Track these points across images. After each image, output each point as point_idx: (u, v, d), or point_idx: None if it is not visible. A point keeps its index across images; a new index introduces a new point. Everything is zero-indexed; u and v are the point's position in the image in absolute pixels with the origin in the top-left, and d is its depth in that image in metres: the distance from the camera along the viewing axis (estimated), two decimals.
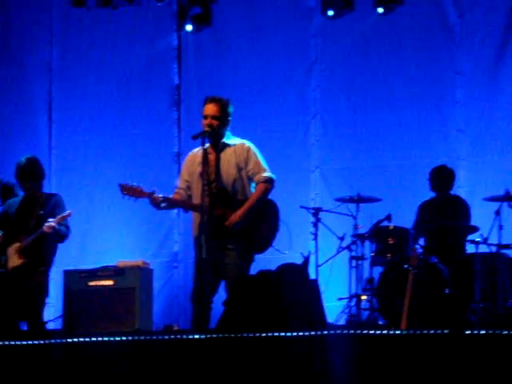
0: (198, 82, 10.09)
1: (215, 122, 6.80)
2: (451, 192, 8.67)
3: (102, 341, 6.08)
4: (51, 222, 7.45)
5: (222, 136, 6.89)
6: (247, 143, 6.93)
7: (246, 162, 6.83)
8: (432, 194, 8.68)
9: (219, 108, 6.80)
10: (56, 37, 10.39)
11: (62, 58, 10.38)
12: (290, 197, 9.41)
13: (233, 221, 6.69)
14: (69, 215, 7.59)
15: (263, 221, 6.79)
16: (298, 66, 9.89)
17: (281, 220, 6.84)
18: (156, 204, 6.78)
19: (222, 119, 6.83)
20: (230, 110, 6.88)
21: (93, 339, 6.09)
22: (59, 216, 7.53)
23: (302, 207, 8.76)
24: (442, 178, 8.57)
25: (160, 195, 6.75)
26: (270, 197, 6.92)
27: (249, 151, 6.85)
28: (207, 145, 6.82)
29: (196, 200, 6.81)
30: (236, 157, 6.84)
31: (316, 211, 8.59)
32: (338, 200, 8.68)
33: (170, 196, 6.87)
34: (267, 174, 6.84)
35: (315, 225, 8.54)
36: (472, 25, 9.35)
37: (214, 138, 6.85)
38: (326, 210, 8.61)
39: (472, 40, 9.35)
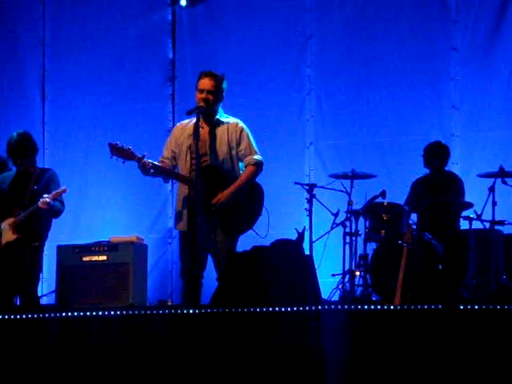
0: (192, 58, 10.04)
1: (211, 97, 6.78)
2: (445, 168, 8.67)
3: (96, 315, 6.08)
4: (46, 198, 7.43)
5: (216, 112, 6.88)
6: (240, 123, 6.92)
7: (237, 142, 6.84)
8: (426, 171, 8.68)
9: (215, 83, 6.79)
10: (49, 12, 10.31)
11: (55, 33, 10.30)
12: (284, 173, 9.41)
13: (220, 199, 6.70)
14: (64, 191, 7.57)
15: (248, 203, 6.81)
16: (292, 41, 9.84)
17: (264, 206, 6.84)
18: (144, 169, 6.75)
19: (217, 94, 6.82)
20: (225, 85, 6.87)
21: (86, 314, 6.09)
22: (54, 192, 7.51)
23: (296, 183, 8.75)
24: (437, 154, 8.57)
25: (149, 161, 6.73)
26: (265, 174, 6.93)
27: (242, 131, 6.86)
28: (200, 118, 6.79)
29: (182, 172, 6.81)
30: (228, 135, 6.84)
31: (310, 187, 8.57)
32: (332, 176, 8.67)
33: (159, 164, 6.84)
34: (257, 156, 6.86)
35: (309, 201, 8.52)
36: (467, 0, 9.30)
37: (207, 113, 6.82)
38: (321, 186, 8.59)
39: (467, 16, 9.31)
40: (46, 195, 7.45)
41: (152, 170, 6.76)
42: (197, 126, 6.69)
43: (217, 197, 6.70)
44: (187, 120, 6.91)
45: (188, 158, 6.76)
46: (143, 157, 6.72)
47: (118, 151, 6.74)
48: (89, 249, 8.08)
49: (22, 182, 7.65)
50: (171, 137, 7.01)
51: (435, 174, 8.59)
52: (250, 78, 9.82)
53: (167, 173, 6.87)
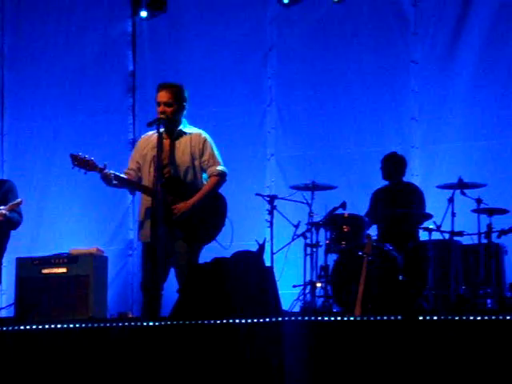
0: (152, 69, 10.03)
1: (168, 109, 6.78)
2: (404, 179, 8.72)
3: (56, 329, 6.03)
4: (2, 210, 7.35)
5: (178, 122, 6.87)
6: (204, 134, 6.92)
7: (200, 153, 6.83)
8: (386, 182, 8.73)
9: (172, 94, 6.78)
10: (8, 22, 10.25)
11: (14, 44, 10.24)
12: (245, 184, 9.42)
13: (181, 209, 6.68)
14: (20, 203, 7.49)
15: (211, 214, 6.80)
16: (253, 53, 9.87)
17: (227, 217, 6.84)
18: (107, 180, 6.73)
19: (177, 105, 6.81)
20: (185, 95, 6.86)
21: (45, 327, 6.04)
22: (10, 204, 7.43)
23: (257, 194, 8.76)
24: (393, 164, 8.62)
25: (111, 172, 6.71)
26: (226, 185, 6.92)
27: (205, 142, 6.85)
28: (162, 129, 6.79)
29: (145, 183, 6.79)
30: (191, 146, 6.84)
31: (271, 199, 8.59)
32: (293, 187, 8.69)
33: (121, 175, 6.82)
34: (221, 167, 6.86)
35: (270, 212, 8.54)
36: (426, 13, 9.39)
37: (169, 124, 6.82)
38: (282, 198, 8.62)
39: (426, 28, 9.40)
40: (1, 207, 7.38)
41: (115, 181, 6.73)
42: (159, 135, 6.67)
43: (178, 207, 6.68)
44: (151, 132, 6.90)
45: (151, 170, 6.74)
46: (105, 167, 6.69)
47: (79, 162, 6.71)
48: (48, 261, 7.99)
49: None
50: (136, 148, 7.01)
51: (394, 184, 8.65)
52: (211, 89, 9.83)
53: (130, 183, 6.84)
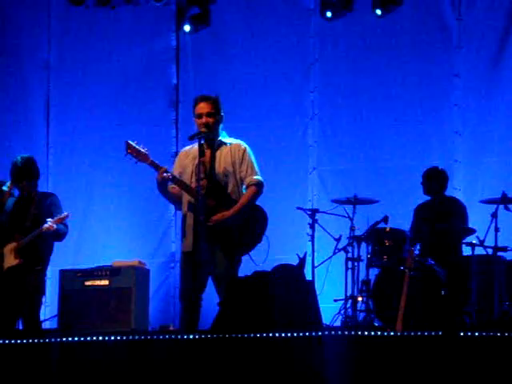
0: (196, 83, 10.09)
1: (211, 120, 6.83)
2: (447, 193, 8.67)
3: (98, 340, 6.08)
4: (50, 222, 7.44)
5: (218, 133, 6.91)
6: (243, 144, 6.95)
7: (240, 163, 6.86)
8: (428, 197, 8.68)
9: (212, 105, 6.84)
10: (54, 35, 10.38)
11: (60, 57, 10.36)
12: (287, 198, 9.42)
13: (219, 218, 6.68)
14: (66, 216, 7.59)
15: (249, 225, 6.79)
16: (296, 67, 9.89)
17: (265, 234, 6.81)
18: (162, 180, 6.72)
19: (216, 116, 6.85)
20: (222, 106, 6.90)
21: (88, 339, 6.09)
22: (57, 217, 7.52)
23: (298, 208, 8.76)
24: (435, 179, 8.56)
25: (170, 173, 6.72)
26: (267, 198, 6.92)
27: (244, 152, 6.88)
28: (202, 142, 6.82)
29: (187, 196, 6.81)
30: (231, 156, 6.87)
31: (313, 212, 8.59)
32: (334, 201, 8.68)
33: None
34: (257, 177, 6.87)
35: (312, 226, 8.53)
36: (470, 27, 9.35)
37: (210, 135, 6.85)
38: (323, 212, 8.60)
39: (470, 42, 9.35)
40: (49, 219, 7.47)
41: (171, 184, 6.74)
42: (201, 145, 6.70)
43: (218, 214, 6.69)
44: (190, 146, 6.94)
45: (193, 180, 6.78)
46: (159, 165, 6.73)
47: (133, 150, 6.81)
48: (91, 273, 8.08)
49: (23, 206, 7.66)
50: (177, 161, 7.06)
51: (436, 199, 8.59)
52: (253, 102, 9.86)
53: (183, 184, 6.81)
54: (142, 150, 6.81)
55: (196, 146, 6.79)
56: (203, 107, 6.83)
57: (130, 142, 6.84)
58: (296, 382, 5.68)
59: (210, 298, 6.81)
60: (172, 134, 10.16)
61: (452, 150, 9.33)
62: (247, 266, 6.83)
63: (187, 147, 7.01)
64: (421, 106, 9.44)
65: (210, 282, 6.80)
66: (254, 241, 6.79)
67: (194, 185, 6.72)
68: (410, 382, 5.53)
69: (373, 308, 8.12)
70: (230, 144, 6.91)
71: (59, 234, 7.60)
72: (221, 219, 6.69)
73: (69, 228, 7.72)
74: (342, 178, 9.57)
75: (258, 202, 6.92)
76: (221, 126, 6.93)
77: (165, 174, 6.74)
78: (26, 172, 7.63)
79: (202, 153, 6.68)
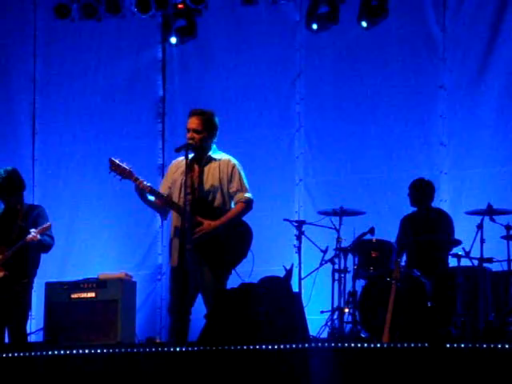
0: (182, 95, 10.10)
1: (197, 136, 6.81)
2: (433, 205, 8.69)
3: (84, 354, 6.06)
4: (33, 232, 7.41)
5: (208, 149, 6.89)
6: (232, 160, 6.93)
7: (229, 179, 6.84)
8: (415, 208, 8.70)
9: (201, 121, 6.82)
10: (40, 48, 10.37)
11: (46, 70, 10.36)
12: (273, 209, 9.43)
13: (202, 230, 6.67)
14: (49, 227, 7.54)
15: (235, 240, 6.78)
16: (282, 79, 9.91)
17: (250, 249, 6.81)
18: (141, 191, 6.73)
19: (206, 132, 6.83)
20: (215, 121, 6.88)
21: (74, 352, 6.07)
22: (40, 227, 7.49)
23: (285, 220, 8.76)
24: (421, 191, 8.58)
25: (148, 184, 6.73)
26: (253, 210, 6.93)
27: (234, 168, 6.86)
28: (191, 155, 6.82)
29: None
30: (220, 172, 6.85)
31: (299, 224, 8.60)
32: (321, 213, 8.69)
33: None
34: (248, 194, 6.86)
35: (298, 238, 8.54)
36: (454, 38, 9.39)
37: (197, 150, 6.85)
38: (310, 223, 8.61)
39: (455, 54, 9.39)
40: (33, 230, 7.43)
41: (149, 195, 6.74)
42: (187, 162, 6.69)
43: (201, 226, 6.68)
44: (182, 157, 6.93)
45: (182, 195, 6.75)
46: (142, 180, 6.72)
47: (116, 167, 6.76)
48: (77, 286, 8.06)
49: (9, 218, 7.63)
50: (167, 173, 7.04)
51: (423, 210, 8.61)
52: (239, 114, 9.87)
53: (162, 197, 6.79)
54: (126, 167, 6.77)
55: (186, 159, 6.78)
56: (191, 122, 6.83)
57: (113, 159, 6.80)
58: None
59: (198, 311, 6.80)
60: (158, 145, 10.16)
61: (438, 161, 9.36)
62: (233, 279, 6.83)
63: (179, 158, 6.97)
64: (406, 117, 9.48)
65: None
66: (238, 256, 6.78)
67: (182, 200, 6.70)
68: None
69: (359, 319, 8.12)
70: (219, 160, 6.90)
71: (43, 245, 7.55)
72: (203, 231, 6.67)
73: (55, 240, 7.68)
74: (329, 189, 9.58)
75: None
76: (212, 141, 6.89)
77: (141, 185, 6.69)
78: (8, 185, 7.57)
79: (188, 169, 6.67)
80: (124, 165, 6.77)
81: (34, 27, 10.38)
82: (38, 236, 7.42)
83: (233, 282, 6.76)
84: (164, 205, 6.87)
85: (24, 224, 7.53)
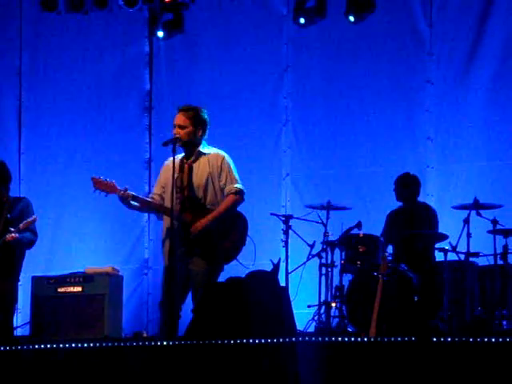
0: (169, 88, 10.08)
1: (181, 131, 6.80)
2: (419, 199, 8.70)
3: (71, 348, 6.05)
4: (12, 233, 7.35)
5: (197, 144, 6.88)
6: (221, 153, 6.92)
7: (218, 173, 6.83)
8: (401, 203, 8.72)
9: (186, 117, 6.80)
10: (26, 41, 10.33)
11: (32, 63, 10.32)
12: (261, 204, 9.42)
13: (197, 227, 6.68)
14: (35, 220, 7.51)
15: (230, 232, 6.79)
16: (269, 73, 9.90)
17: (248, 235, 6.84)
18: (126, 201, 6.75)
19: (193, 127, 6.82)
20: (203, 117, 6.86)
21: (61, 346, 6.06)
22: (24, 222, 7.44)
23: (272, 214, 8.77)
24: (406, 185, 8.58)
25: (129, 192, 6.73)
26: (240, 206, 6.92)
27: (223, 161, 6.85)
28: (182, 154, 6.81)
29: (167, 206, 6.80)
30: (209, 166, 6.84)
31: (286, 218, 8.60)
32: (308, 207, 8.69)
33: (141, 196, 6.85)
34: (238, 185, 6.84)
35: (286, 232, 8.54)
36: (441, 33, 9.40)
37: (186, 146, 6.84)
38: (297, 218, 8.62)
39: (442, 48, 9.40)
40: (12, 229, 7.37)
41: (134, 203, 6.75)
42: (182, 158, 6.69)
43: (194, 225, 6.69)
44: (178, 155, 6.89)
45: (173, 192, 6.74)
46: (126, 189, 6.72)
47: (100, 185, 6.76)
48: (64, 280, 8.05)
49: None
50: (161, 173, 7.02)
51: (409, 205, 8.62)
52: (226, 108, 9.86)
53: (146, 203, 6.83)
54: (109, 183, 6.77)
55: (178, 157, 6.76)
56: (177, 118, 6.84)
57: (95, 177, 6.82)
58: None
59: (186, 305, 6.79)
60: (145, 139, 10.14)
61: (424, 155, 9.37)
62: (228, 272, 6.81)
63: (170, 159, 6.96)
64: (393, 112, 9.49)
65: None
66: (234, 249, 6.78)
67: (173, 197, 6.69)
68: None
69: (346, 314, 8.14)
70: (208, 154, 6.88)
71: (25, 243, 7.50)
72: (198, 228, 6.67)
73: (41, 235, 7.65)
74: (316, 183, 9.59)
75: None
76: (202, 136, 6.86)
77: (125, 194, 6.68)
78: None
79: (181, 167, 6.67)
80: (107, 180, 6.76)
81: (19, 20, 10.33)
82: (17, 235, 7.36)
83: (237, 271, 6.74)
84: (150, 210, 6.89)
85: (10, 216, 7.50)
